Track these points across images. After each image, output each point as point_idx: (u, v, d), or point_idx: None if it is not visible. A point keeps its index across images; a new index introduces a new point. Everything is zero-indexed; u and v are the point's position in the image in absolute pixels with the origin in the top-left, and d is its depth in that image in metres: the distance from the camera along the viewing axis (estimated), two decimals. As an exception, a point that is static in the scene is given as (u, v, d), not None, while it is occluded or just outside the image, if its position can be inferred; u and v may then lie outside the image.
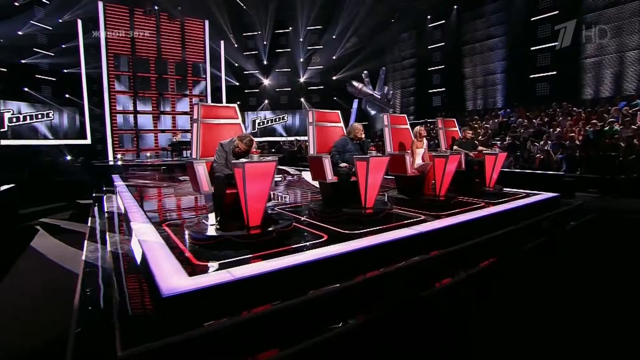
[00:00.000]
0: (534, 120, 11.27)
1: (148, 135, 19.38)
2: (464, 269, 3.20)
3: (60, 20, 16.76)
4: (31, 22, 15.58)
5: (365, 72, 18.50)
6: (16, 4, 15.21)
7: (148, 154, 18.47)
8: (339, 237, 3.37)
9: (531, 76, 13.24)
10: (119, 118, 18.78)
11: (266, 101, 23.87)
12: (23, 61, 15.40)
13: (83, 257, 3.57)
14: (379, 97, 18.16)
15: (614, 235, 4.87)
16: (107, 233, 4.27)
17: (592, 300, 3.03)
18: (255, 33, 22.40)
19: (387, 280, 2.83)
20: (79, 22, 17.44)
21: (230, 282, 2.35)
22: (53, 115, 16.49)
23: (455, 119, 6.72)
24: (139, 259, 3.03)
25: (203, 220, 3.56)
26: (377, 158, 3.85)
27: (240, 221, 3.30)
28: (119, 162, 16.32)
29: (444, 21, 16.39)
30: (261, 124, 23.52)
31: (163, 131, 19.32)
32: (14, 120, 15.10)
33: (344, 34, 20.61)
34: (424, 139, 5.33)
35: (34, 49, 15.77)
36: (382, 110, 18.47)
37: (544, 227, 4.40)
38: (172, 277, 2.39)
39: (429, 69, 17.24)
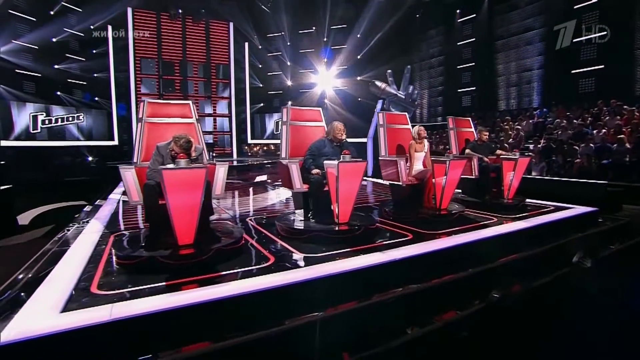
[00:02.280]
0: (574, 121, 9.89)
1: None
2: (447, 313, 2.45)
3: (92, 27, 17.41)
4: (64, 29, 16.28)
5: (389, 71, 17.56)
6: (51, 12, 15.93)
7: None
8: (289, 261, 2.74)
9: (573, 71, 11.73)
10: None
11: (289, 102, 23.62)
12: (56, 66, 16.10)
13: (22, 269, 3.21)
14: (403, 97, 17.14)
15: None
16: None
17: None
18: (279, 34, 22.19)
19: (334, 327, 2.16)
20: (109, 28, 18.10)
21: (104, 324, 1.80)
22: (83, 117, 17.14)
23: (470, 118, 5.84)
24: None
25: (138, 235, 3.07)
26: (348, 164, 3.16)
27: (173, 238, 2.77)
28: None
29: (474, 15, 15.13)
30: (284, 125, 23.25)
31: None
32: (47, 122, 15.83)
33: (368, 33, 19.86)
34: (425, 140, 4.53)
35: (67, 55, 16.46)
36: (405, 111, 17.44)
37: (570, 254, 3.47)
38: (38, 313, 1.88)
39: (458, 66, 16.00)
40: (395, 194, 4.53)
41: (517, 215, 4.37)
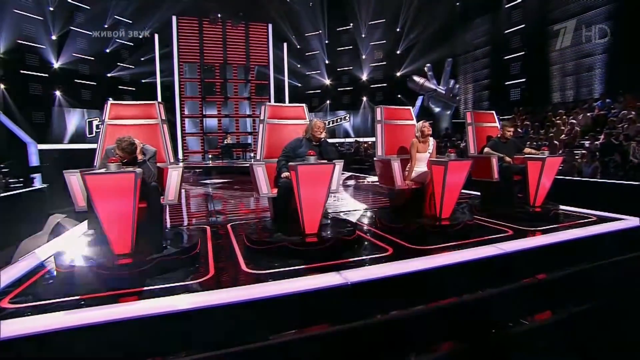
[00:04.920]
0: (645, 112, 8.33)
1: (213, 138, 20.54)
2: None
3: (140, 36, 18.61)
4: (116, 40, 17.57)
5: (428, 65, 16.53)
6: (105, 26, 17.25)
7: (210, 156, 19.48)
8: (228, 277, 2.41)
9: (649, 53, 9.92)
10: (187, 122, 20.34)
11: (328, 101, 23.36)
12: (109, 75, 17.45)
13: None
14: (444, 92, 16.00)
15: None
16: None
17: None
18: (316, 32, 21.98)
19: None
20: (156, 36, 19.26)
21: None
22: (132, 121, 18.37)
23: (493, 112, 5.04)
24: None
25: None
26: (309, 167, 2.75)
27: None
28: (180, 164, 17.46)
29: (524, -2, 13.57)
30: (322, 126, 23.15)
31: (227, 133, 20.17)
32: (101, 127, 17.23)
33: (407, 27, 18.91)
34: (430, 138, 3.93)
35: (118, 63, 17.76)
36: (446, 107, 16.29)
37: (595, 284, 2.69)
38: None
39: (506, 57, 14.46)
40: (393, 200, 4.00)
41: (543, 228, 3.60)
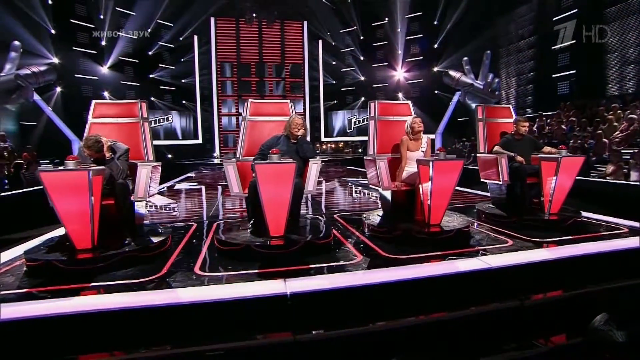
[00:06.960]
0: None
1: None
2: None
3: (180, 39, 19.55)
4: (158, 43, 18.58)
5: (466, 58, 15.53)
6: (149, 30, 18.25)
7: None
8: (179, 278, 2.35)
9: None
10: (224, 120, 21.08)
11: (362, 98, 22.94)
12: (151, 76, 18.50)
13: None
14: (482, 86, 14.96)
15: None
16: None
17: None
18: (351, 29, 21.60)
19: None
20: (195, 38, 20.13)
21: None
22: (172, 119, 19.43)
23: (509, 106, 4.52)
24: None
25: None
26: (267, 166, 2.60)
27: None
28: (216, 160, 18.16)
29: (578, -20, 12.19)
30: (356, 122, 22.92)
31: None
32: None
33: (445, 19, 17.94)
34: (423, 136, 3.60)
35: (159, 65, 18.77)
36: (484, 102, 15.19)
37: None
38: None
39: (553, 47, 13.10)
40: (383, 203, 3.72)
41: (552, 239, 3.12)
